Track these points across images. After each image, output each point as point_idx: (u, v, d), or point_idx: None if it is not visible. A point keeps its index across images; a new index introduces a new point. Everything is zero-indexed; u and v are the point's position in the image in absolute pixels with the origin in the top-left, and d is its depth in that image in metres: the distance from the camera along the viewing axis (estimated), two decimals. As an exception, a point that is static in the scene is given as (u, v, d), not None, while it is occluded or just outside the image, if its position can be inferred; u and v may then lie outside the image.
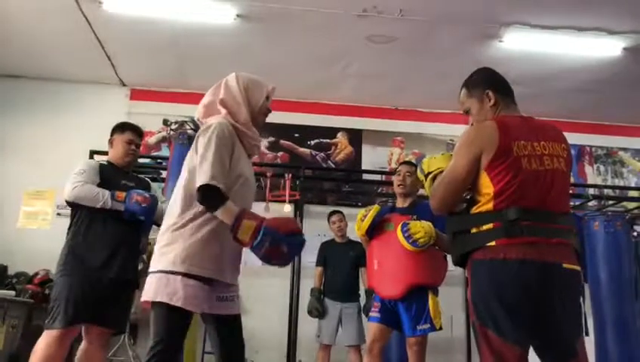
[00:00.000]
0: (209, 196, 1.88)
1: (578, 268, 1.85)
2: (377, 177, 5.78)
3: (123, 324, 3.05)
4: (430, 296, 3.02)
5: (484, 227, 1.83)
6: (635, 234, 5.23)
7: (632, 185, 6.32)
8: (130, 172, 3.14)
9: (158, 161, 5.46)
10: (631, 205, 5.68)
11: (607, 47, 4.75)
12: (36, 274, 4.89)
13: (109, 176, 2.93)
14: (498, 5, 4.28)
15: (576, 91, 5.61)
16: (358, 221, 3.18)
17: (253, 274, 5.60)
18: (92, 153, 4.78)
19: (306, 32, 4.75)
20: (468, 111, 2.15)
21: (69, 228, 2.90)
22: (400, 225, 2.96)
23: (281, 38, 4.87)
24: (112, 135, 3.10)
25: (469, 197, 1.97)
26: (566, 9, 4.29)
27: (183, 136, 4.15)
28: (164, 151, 5.45)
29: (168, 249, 1.91)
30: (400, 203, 3.33)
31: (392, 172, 6.08)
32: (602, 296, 4.55)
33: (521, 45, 4.77)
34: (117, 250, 2.83)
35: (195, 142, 2.03)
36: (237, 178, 2.01)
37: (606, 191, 5.77)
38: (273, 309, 5.27)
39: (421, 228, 2.90)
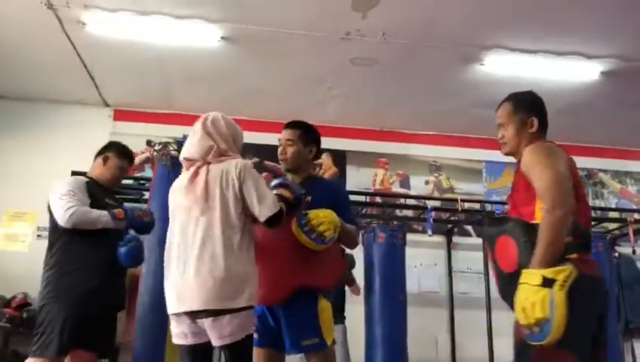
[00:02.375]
0: (279, 220, 2.14)
1: None
2: (362, 198, 5.79)
3: (110, 347, 2.98)
4: (321, 303, 2.33)
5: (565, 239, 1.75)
6: (616, 255, 5.30)
7: (612, 205, 6.41)
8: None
9: (141, 181, 5.41)
10: (612, 226, 5.75)
11: (585, 71, 4.85)
12: (14, 297, 4.78)
13: (94, 194, 2.85)
14: (479, 29, 4.36)
15: (556, 114, 5.63)
16: None
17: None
18: (74, 174, 4.70)
19: (291, 55, 4.79)
20: (501, 125, 2.13)
21: (50, 250, 2.80)
22: (296, 219, 2.26)
23: (265, 60, 4.90)
24: (107, 151, 3.03)
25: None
26: (545, 33, 4.39)
27: (166, 157, 4.12)
28: (147, 172, 5.40)
29: (243, 287, 2.02)
30: (291, 178, 2.55)
31: (377, 193, 6.17)
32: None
33: (501, 68, 4.86)
34: (107, 272, 2.77)
35: (232, 180, 2.12)
36: None
37: (587, 212, 5.83)
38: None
39: (324, 217, 2.26)
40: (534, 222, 1.81)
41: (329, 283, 2.42)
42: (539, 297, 1.61)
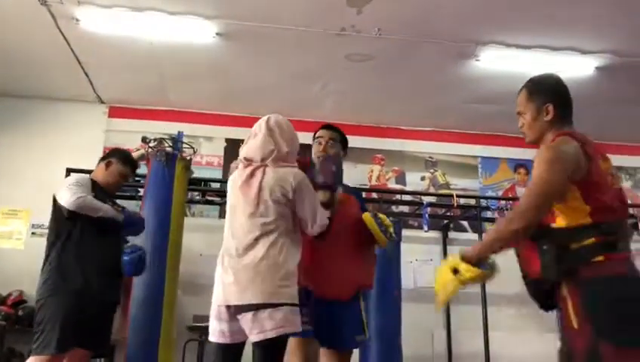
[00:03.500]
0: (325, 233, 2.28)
1: None
2: (357, 194, 5.78)
3: (107, 346, 3.01)
4: (361, 301, 2.58)
5: (587, 242, 1.71)
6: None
7: (607, 200, 6.43)
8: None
9: (136, 178, 5.40)
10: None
11: (580, 67, 4.86)
12: (9, 294, 4.77)
13: (97, 194, 2.92)
14: (474, 25, 4.36)
15: (551, 109, 5.71)
16: None
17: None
18: (69, 171, 4.70)
19: (286, 51, 4.78)
20: (520, 113, 2.04)
21: (52, 246, 2.83)
22: (370, 215, 2.52)
23: (260, 56, 4.89)
24: (110, 157, 3.11)
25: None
26: (540, 29, 4.39)
27: (161, 154, 4.11)
28: (142, 169, 5.40)
29: (287, 283, 2.11)
30: None
31: (373, 189, 6.18)
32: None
33: (497, 64, 4.86)
34: (107, 272, 2.81)
35: (287, 191, 2.18)
36: None
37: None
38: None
39: (385, 218, 2.56)
40: (553, 225, 1.78)
41: (373, 282, 2.65)
42: (447, 280, 1.76)
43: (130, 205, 3.21)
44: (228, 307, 2.15)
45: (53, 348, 2.60)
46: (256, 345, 2.10)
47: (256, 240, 2.14)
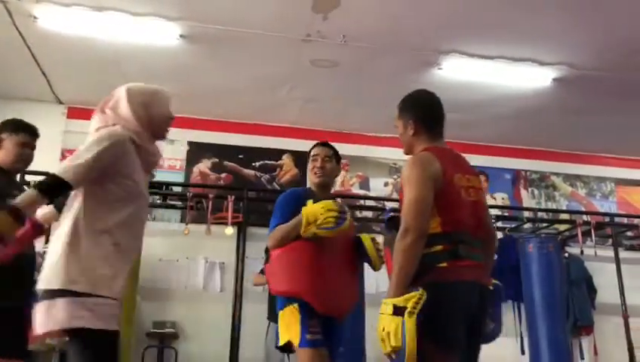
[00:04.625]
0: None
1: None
2: (321, 199, 5.80)
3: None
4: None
5: (435, 249, 1.88)
6: (566, 255, 5.48)
7: (564, 208, 6.64)
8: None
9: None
10: (562, 227, 5.96)
11: (538, 77, 5.00)
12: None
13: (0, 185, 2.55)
14: (437, 34, 4.44)
15: (510, 118, 5.88)
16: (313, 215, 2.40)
17: (193, 298, 5.50)
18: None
19: (251, 55, 4.76)
20: (396, 128, 2.22)
21: None
22: (368, 237, 2.62)
23: (225, 59, 4.86)
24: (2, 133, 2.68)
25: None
26: (501, 40, 4.50)
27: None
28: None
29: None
30: (319, 193, 2.69)
31: (337, 195, 6.18)
32: (536, 315, 4.72)
33: (458, 73, 4.96)
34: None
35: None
36: (137, 197, 1.94)
37: (539, 214, 6.03)
38: (214, 334, 5.14)
39: (378, 241, 2.66)
40: None
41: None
42: (392, 327, 1.72)
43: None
44: None
45: None
46: None
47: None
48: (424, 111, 2.14)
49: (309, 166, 2.74)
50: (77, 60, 4.89)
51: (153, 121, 2.03)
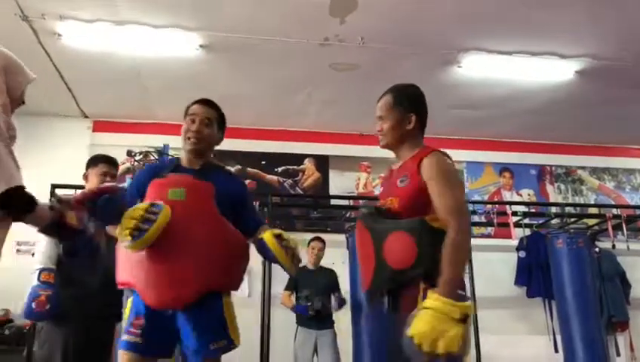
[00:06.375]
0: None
1: None
2: (345, 202, 5.80)
3: None
4: (225, 302, 2.10)
5: None
6: (596, 250, 5.38)
7: (592, 202, 6.52)
8: None
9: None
10: (591, 222, 5.85)
11: (560, 71, 4.93)
12: (-5, 314, 4.69)
13: None
14: (456, 32, 4.41)
15: (533, 113, 5.80)
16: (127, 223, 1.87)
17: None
18: (54, 187, 4.66)
19: (270, 61, 4.79)
20: (380, 117, 2.11)
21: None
22: (270, 234, 2.13)
23: (244, 67, 4.90)
24: (86, 170, 3.03)
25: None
26: (520, 35, 4.45)
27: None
28: (128, 182, 5.37)
29: None
30: (188, 161, 2.22)
31: (360, 197, 6.20)
32: (569, 312, 4.64)
33: (478, 70, 4.92)
34: None
35: None
36: None
37: (567, 209, 5.93)
38: (244, 338, 5.15)
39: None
40: (435, 225, 1.82)
41: (236, 282, 2.17)
42: (454, 332, 1.61)
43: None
44: None
45: None
46: None
47: None
48: (425, 110, 2.12)
49: (183, 127, 2.22)
50: (100, 74, 4.99)
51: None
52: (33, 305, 2.60)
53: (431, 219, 1.83)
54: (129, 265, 2.00)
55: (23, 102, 1.85)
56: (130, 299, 2.01)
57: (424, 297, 1.71)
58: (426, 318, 1.63)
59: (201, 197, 2.07)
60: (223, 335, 2.05)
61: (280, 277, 5.00)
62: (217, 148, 2.37)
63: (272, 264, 2.33)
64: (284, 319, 4.83)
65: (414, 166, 1.94)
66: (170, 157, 4.35)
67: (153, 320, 1.96)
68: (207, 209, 2.05)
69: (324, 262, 4.88)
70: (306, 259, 4.91)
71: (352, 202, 5.83)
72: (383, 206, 1.99)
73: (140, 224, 1.84)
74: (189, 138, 2.18)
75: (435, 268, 1.73)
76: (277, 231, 2.18)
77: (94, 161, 3.02)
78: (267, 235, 2.13)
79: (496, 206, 5.70)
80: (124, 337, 1.95)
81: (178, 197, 2.02)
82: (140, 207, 1.89)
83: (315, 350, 4.51)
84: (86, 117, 5.89)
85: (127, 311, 2.01)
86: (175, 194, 2.02)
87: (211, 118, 2.24)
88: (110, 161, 3.03)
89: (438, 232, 1.79)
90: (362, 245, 1.98)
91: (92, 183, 2.93)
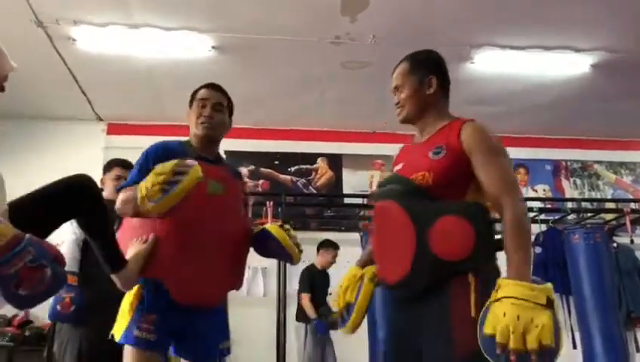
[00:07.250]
0: None
1: None
2: (359, 201, 5.80)
3: None
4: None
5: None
6: (614, 245, 5.31)
7: (608, 196, 6.44)
8: None
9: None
10: (608, 216, 5.78)
11: (575, 65, 4.88)
12: (15, 315, 4.76)
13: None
14: (468, 28, 4.39)
15: (548, 108, 5.75)
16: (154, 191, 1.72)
17: (240, 303, 5.57)
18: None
19: (282, 61, 4.81)
20: (397, 88, 1.87)
21: None
22: (276, 226, 2.09)
23: (257, 67, 4.91)
24: (102, 175, 3.07)
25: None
26: (534, 29, 4.41)
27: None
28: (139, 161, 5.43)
29: None
30: (202, 149, 2.06)
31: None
32: (587, 308, 4.59)
33: (491, 65, 4.89)
34: None
35: None
36: None
37: (583, 204, 5.87)
38: (260, 338, 5.19)
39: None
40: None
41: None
42: (545, 319, 1.32)
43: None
44: None
45: None
46: None
47: None
48: (446, 75, 1.86)
49: (194, 112, 2.12)
50: (114, 78, 5.03)
51: None
52: (58, 307, 2.64)
53: (473, 200, 1.61)
54: (158, 257, 1.82)
55: (3, 89, 1.72)
56: (132, 293, 1.85)
57: (477, 291, 1.48)
58: (507, 309, 1.34)
59: (236, 194, 2.05)
60: (227, 335, 2.07)
61: (296, 277, 5.02)
62: (231, 148, 2.36)
63: (286, 264, 2.32)
64: (299, 318, 4.85)
65: (453, 135, 1.67)
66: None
67: (170, 316, 1.83)
68: (238, 208, 2.05)
69: (338, 261, 4.90)
70: (316, 261, 4.94)
71: (365, 201, 5.83)
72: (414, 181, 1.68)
73: (170, 179, 1.69)
74: (202, 123, 2.05)
75: (488, 260, 1.55)
76: (278, 223, 2.18)
77: (109, 166, 3.07)
78: (271, 226, 2.10)
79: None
80: (135, 333, 1.79)
81: (218, 191, 1.92)
82: (162, 167, 1.73)
83: (324, 349, 4.55)
84: (100, 120, 5.95)
85: (129, 305, 1.85)
86: (214, 187, 1.91)
87: (223, 104, 2.15)
88: (124, 164, 3.07)
89: (490, 219, 1.58)
90: (394, 227, 1.68)
91: (108, 187, 2.97)
